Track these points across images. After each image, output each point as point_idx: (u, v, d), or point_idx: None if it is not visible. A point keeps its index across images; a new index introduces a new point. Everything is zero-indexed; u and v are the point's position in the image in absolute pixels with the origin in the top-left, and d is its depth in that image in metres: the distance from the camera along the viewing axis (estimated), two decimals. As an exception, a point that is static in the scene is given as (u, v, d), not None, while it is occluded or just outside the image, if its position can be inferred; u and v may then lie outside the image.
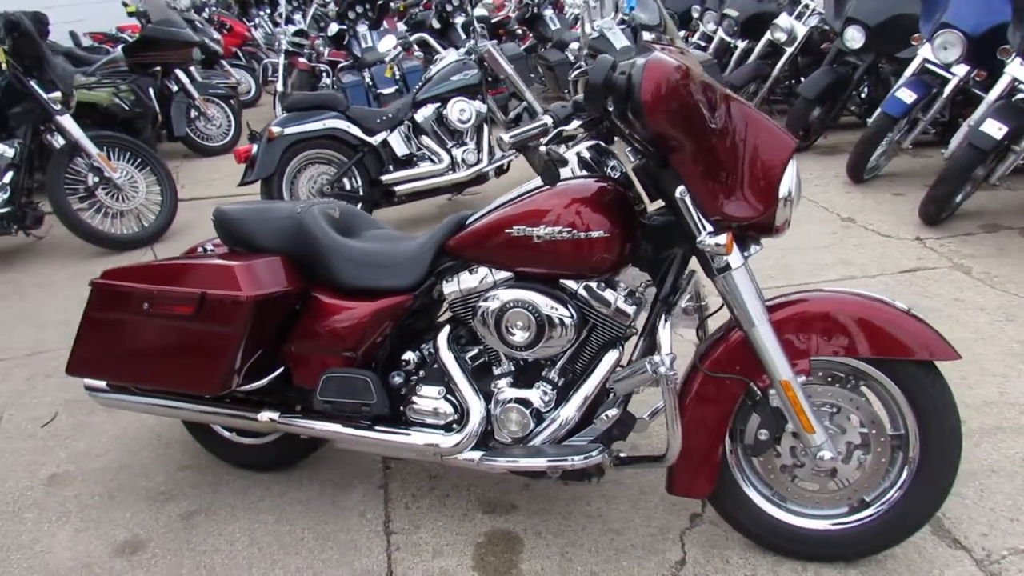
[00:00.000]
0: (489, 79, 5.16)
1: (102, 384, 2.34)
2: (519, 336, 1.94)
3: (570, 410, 1.96)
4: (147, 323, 2.09)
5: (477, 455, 2.00)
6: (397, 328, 2.12)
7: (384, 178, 4.63)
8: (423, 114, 4.77)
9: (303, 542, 2.17)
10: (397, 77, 7.76)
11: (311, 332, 2.13)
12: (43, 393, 3.04)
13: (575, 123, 1.71)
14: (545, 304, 1.91)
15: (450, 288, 2.07)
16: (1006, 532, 2.04)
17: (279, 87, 9.33)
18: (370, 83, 7.77)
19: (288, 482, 2.43)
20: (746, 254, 1.83)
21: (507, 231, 1.90)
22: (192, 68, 7.78)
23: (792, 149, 1.72)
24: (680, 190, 1.74)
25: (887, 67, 5.99)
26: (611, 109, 1.71)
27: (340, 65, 8.43)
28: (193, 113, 7.47)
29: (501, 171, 5.08)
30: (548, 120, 1.70)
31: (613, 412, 1.91)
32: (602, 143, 2.02)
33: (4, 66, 4.44)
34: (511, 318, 1.93)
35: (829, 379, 1.89)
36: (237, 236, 2.22)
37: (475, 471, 2.15)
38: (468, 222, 2.04)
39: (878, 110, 5.00)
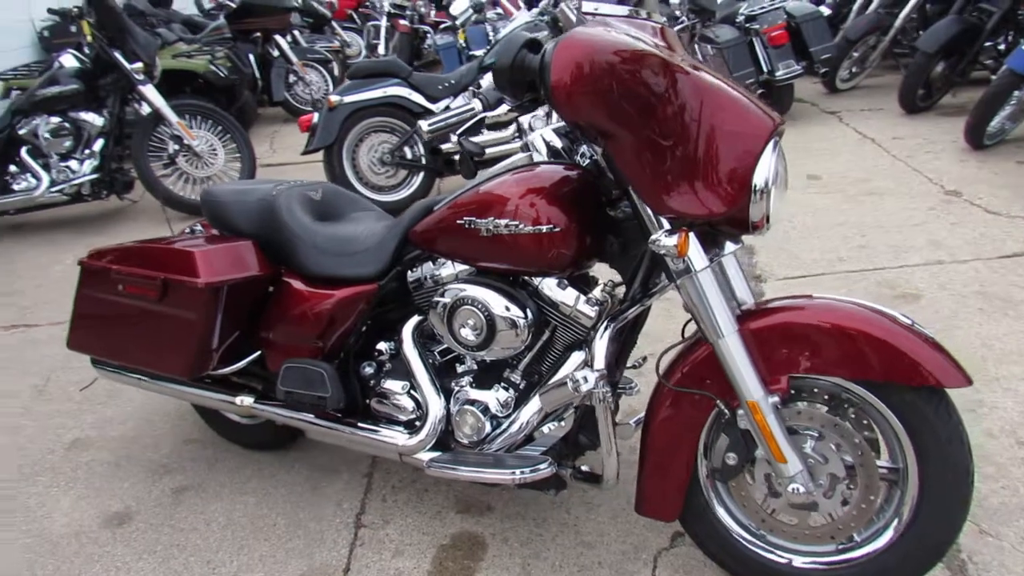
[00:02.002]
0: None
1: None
2: (470, 335, 1.80)
3: (526, 415, 1.82)
4: (123, 304, 2.11)
5: (430, 457, 1.90)
6: (367, 317, 2.03)
7: (444, 146, 4.53)
8: (489, 80, 4.59)
9: (275, 528, 2.16)
10: (492, 39, 7.60)
11: (279, 318, 2.09)
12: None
13: (504, 107, 1.53)
14: (497, 303, 1.75)
15: (414, 279, 1.97)
16: (1039, 587, 1.73)
17: (380, 50, 9.43)
18: (463, 45, 7.66)
19: (280, 464, 2.43)
20: (715, 255, 1.60)
21: (458, 222, 1.76)
22: (296, 32, 7.96)
23: (769, 132, 1.46)
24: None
25: (1027, 15, 5.24)
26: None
27: (441, 26, 8.38)
28: (292, 78, 7.64)
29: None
30: (477, 105, 1.53)
31: (554, 426, 1.75)
32: (575, 125, 1.82)
33: (90, 38, 4.66)
34: (462, 316, 1.80)
35: (822, 400, 1.64)
36: (218, 218, 2.20)
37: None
38: (435, 209, 1.90)
39: (1003, 66, 4.39)
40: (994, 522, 1.90)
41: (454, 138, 1.48)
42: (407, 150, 4.59)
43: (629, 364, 1.94)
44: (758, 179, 1.47)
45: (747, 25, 5.80)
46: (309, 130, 4.45)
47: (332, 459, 2.41)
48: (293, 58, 7.53)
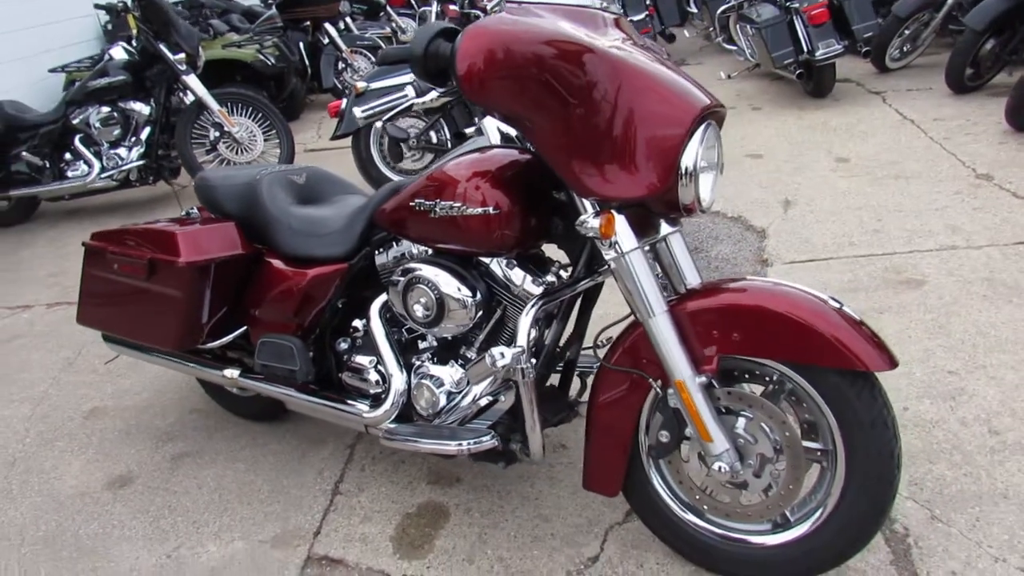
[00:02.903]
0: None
1: (114, 332, 2.58)
2: (420, 312, 1.88)
3: (476, 390, 1.89)
4: (119, 282, 2.26)
5: (386, 429, 1.99)
6: (340, 295, 2.13)
7: (467, 131, 4.59)
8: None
9: (258, 493, 2.29)
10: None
11: (259, 295, 2.21)
12: (119, 332, 3.40)
13: (434, 94, 1.58)
14: (446, 282, 1.83)
15: (380, 260, 2.05)
16: (982, 573, 1.70)
17: (431, 36, 9.52)
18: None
19: (273, 433, 2.57)
20: (652, 237, 1.64)
21: (411, 204, 1.83)
22: (348, 19, 8.14)
23: (694, 117, 1.48)
24: (561, 165, 1.58)
25: (1085, -12, 4.96)
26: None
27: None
28: (341, 65, 7.82)
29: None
30: (410, 92, 1.60)
31: (486, 401, 1.81)
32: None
33: (135, 31, 4.91)
34: (415, 294, 1.88)
35: (763, 381, 1.66)
36: (209, 201, 2.33)
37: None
38: (399, 191, 1.98)
39: (1048, 43, 4.19)
40: (947, 508, 1.87)
41: (379, 124, 1.53)
42: (432, 134, 4.67)
43: (593, 343, 1.99)
44: (686, 161, 1.50)
45: (787, 4, 5.66)
46: (337, 116, 4.58)
47: (320, 431, 2.53)
48: (342, 45, 7.70)
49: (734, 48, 7.02)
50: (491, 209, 1.70)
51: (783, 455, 1.62)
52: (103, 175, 5.07)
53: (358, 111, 1.60)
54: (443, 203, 1.75)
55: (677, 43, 8.57)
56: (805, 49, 5.54)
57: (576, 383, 2.09)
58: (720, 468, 1.61)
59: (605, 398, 1.75)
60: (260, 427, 2.61)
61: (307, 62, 7.65)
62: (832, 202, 3.85)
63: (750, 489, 1.66)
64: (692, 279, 1.74)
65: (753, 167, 4.52)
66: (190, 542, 2.12)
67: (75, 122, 5.08)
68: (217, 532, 2.15)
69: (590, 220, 1.56)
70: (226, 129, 5.10)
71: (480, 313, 1.84)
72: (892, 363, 1.49)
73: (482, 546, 1.98)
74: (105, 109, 5.06)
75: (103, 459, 2.55)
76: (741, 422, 1.65)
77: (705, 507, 1.76)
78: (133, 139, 5.11)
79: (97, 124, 5.06)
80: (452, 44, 1.46)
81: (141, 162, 5.10)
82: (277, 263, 2.18)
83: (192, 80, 5.00)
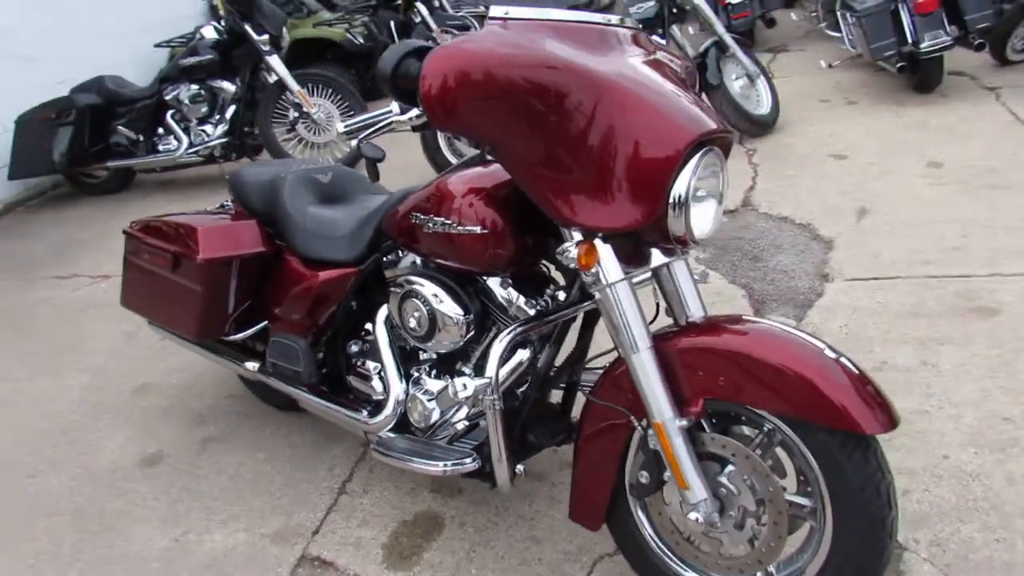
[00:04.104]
0: (675, 10, 4.79)
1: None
2: (414, 326, 1.86)
3: (466, 410, 1.86)
4: (150, 271, 2.35)
5: (377, 440, 1.98)
6: (352, 299, 2.12)
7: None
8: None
9: (271, 484, 2.35)
10: None
11: (276, 294, 2.24)
12: (179, 309, 3.56)
13: (415, 111, 1.52)
14: (439, 298, 1.80)
15: (388, 268, 2.04)
16: (989, 658, 1.55)
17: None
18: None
19: (295, 424, 2.62)
20: (642, 268, 1.55)
21: (409, 217, 1.80)
22: (443, -1, 8.15)
23: (691, 140, 1.38)
24: (544, 190, 1.50)
25: None
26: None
27: (588, -12, 8.23)
28: (432, 45, 7.83)
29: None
30: (395, 107, 1.55)
31: (463, 426, 1.77)
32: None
33: (222, 12, 5.07)
34: (409, 308, 1.86)
35: (760, 428, 1.55)
36: (239, 197, 2.37)
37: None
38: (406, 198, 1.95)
39: None
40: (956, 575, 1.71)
41: (354, 143, 1.49)
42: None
43: (579, 371, 1.92)
44: (676, 191, 1.40)
45: (894, -10, 5.25)
46: (406, 102, 4.59)
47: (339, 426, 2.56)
48: (433, 25, 7.71)
49: (838, 35, 6.59)
50: (484, 228, 1.64)
51: (766, 510, 1.51)
52: (190, 150, 5.31)
53: (340, 125, 1.56)
54: (437, 219, 1.72)
55: (779, 28, 8.11)
56: (909, 40, 5.12)
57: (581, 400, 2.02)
58: (696, 519, 1.51)
59: (590, 431, 1.68)
60: (285, 417, 2.67)
61: (396, 41, 7.72)
62: (914, 212, 3.57)
63: (730, 541, 1.56)
64: (695, 311, 1.64)
65: (835, 169, 4.25)
66: (199, 528, 2.20)
67: (167, 98, 5.33)
68: (226, 520, 2.22)
69: (571, 249, 1.49)
70: (304, 110, 5.22)
71: (472, 332, 1.80)
72: (891, 424, 1.36)
73: (468, 564, 1.95)
74: (194, 87, 5.29)
75: (141, 436, 2.67)
76: (727, 470, 1.55)
77: (686, 554, 1.67)
78: (218, 116, 5.32)
79: (186, 101, 5.29)
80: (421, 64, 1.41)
81: (225, 139, 5.31)
82: (294, 262, 2.21)
83: (274, 60, 5.14)
